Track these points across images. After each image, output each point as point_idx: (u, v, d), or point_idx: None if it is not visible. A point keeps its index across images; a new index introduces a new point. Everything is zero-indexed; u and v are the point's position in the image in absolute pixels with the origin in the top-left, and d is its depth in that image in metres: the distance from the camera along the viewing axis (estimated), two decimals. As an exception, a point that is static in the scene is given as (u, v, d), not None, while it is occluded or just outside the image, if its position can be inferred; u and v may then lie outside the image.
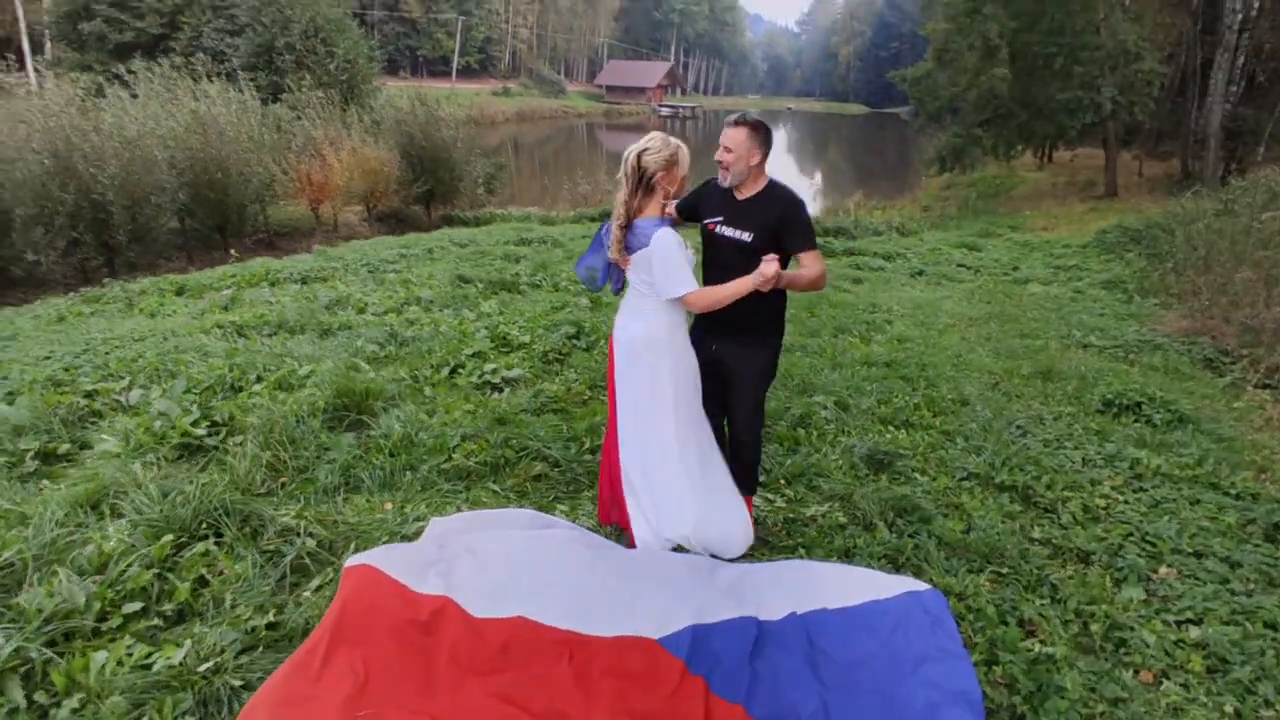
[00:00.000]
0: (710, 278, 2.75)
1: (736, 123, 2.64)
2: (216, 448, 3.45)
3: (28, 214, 10.79)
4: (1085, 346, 6.15)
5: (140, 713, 1.96)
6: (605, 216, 14.49)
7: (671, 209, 2.80)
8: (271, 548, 2.70)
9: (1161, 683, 2.31)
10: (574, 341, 5.49)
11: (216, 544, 2.71)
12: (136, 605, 2.31)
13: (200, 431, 3.45)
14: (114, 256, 12.33)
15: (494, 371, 4.78)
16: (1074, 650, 2.44)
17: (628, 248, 2.64)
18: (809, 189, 23.13)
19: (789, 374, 4.87)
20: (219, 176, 13.68)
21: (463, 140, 19.48)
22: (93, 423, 3.80)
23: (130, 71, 15.45)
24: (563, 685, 2.04)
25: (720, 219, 2.72)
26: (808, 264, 2.67)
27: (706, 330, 2.86)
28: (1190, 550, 3.00)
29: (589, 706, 2.00)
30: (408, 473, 3.36)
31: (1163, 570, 2.91)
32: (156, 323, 6.04)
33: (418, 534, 2.83)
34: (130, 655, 2.10)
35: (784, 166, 33.88)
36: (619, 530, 2.93)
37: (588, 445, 3.67)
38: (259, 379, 4.42)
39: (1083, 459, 3.87)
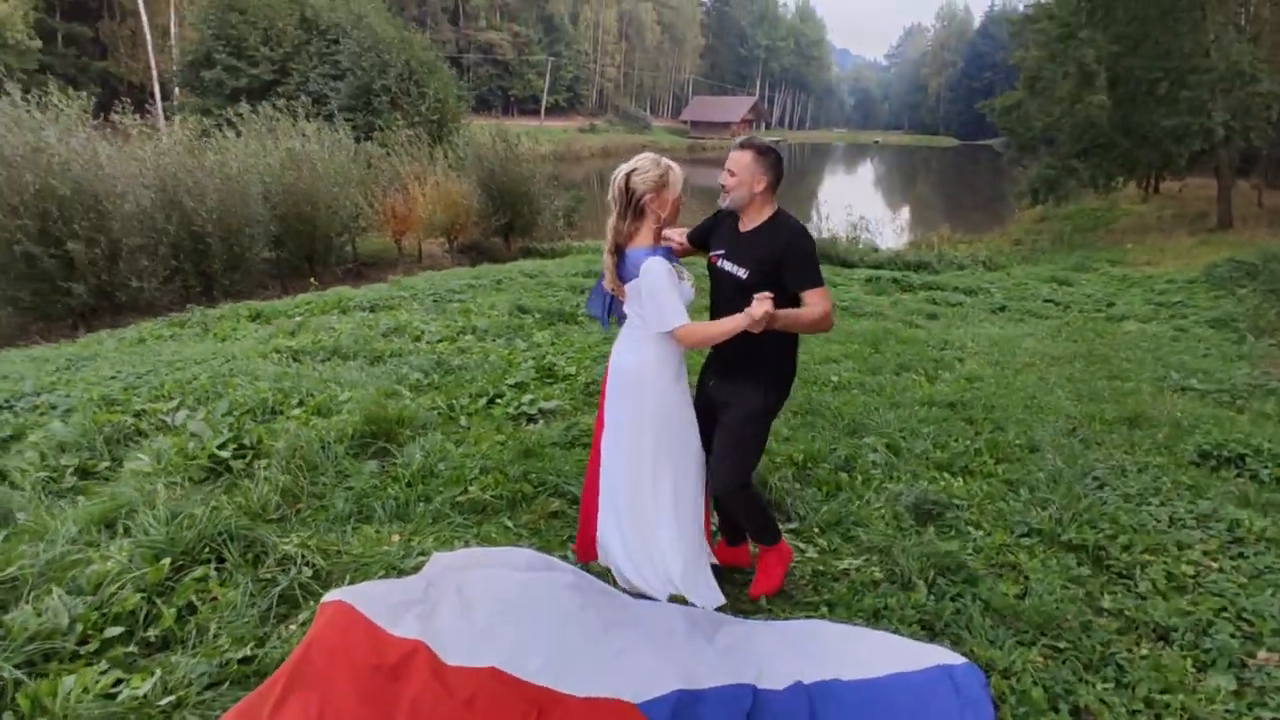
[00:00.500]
0: (712, 313, 2.58)
1: (742, 145, 2.47)
2: (241, 471, 3.47)
3: (135, 244, 11.60)
4: (1183, 390, 5.55)
5: (97, 745, 1.90)
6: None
7: (682, 238, 2.64)
8: (268, 576, 2.64)
9: (1249, 798, 1.92)
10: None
11: (217, 569, 2.68)
12: (118, 630, 2.27)
13: (226, 454, 3.47)
14: (211, 284, 13.10)
15: (531, 402, 4.69)
16: (1140, 749, 2.08)
17: (621, 277, 2.48)
18: (894, 224, 22.34)
19: (839, 413, 4.57)
20: (308, 210, 14.44)
21: (541, 174, 19.97)
22: (136, 442, 3.91)
23: (238, 114, 16.62)
24: (528, 748, 1.86)
25: (722, 251, 2.54)
26: (811, 303, 2.42)
27: (708, 365, 2.71)
28: (1297, 633, 2.55)
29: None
30: (421, 504, 3.27)
31: (1261, 655, 2.47)
32: (224, 346, 6.28)
33: (417, 568, 2.72)
34: (98, 682, 2.04)
35: (870, 201, 33.04)
36: (606, 570, 2.75)
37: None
38: (300, 403, 4.47)
39: (1170, 518, 3.41)
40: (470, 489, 3.37)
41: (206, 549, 2.72)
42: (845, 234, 17.90)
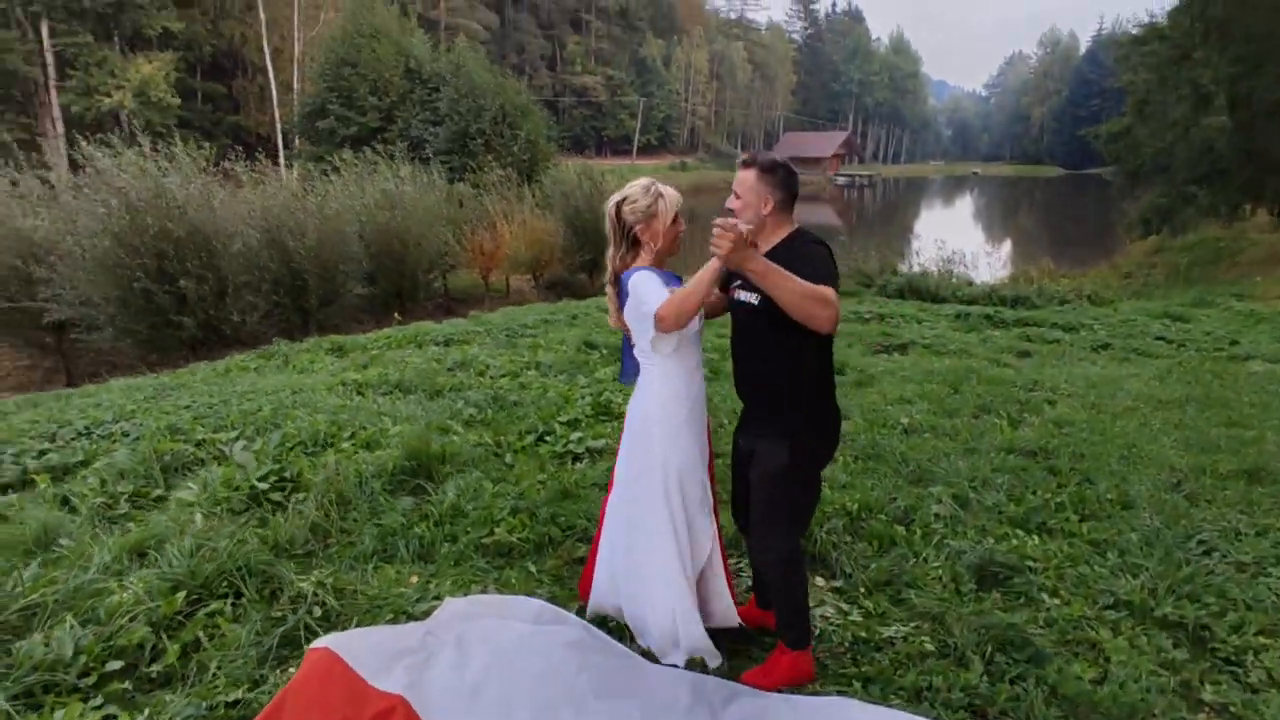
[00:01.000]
0: (732, 351, 2.38)
1: (745, 164, 2.25)
2: (279, 503, 3.49)
3: (240, 281, 12.40)
4: (1318, 442, 4.86)
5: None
6: None
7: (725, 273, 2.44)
8: (279, 614, 2.60)
9: None
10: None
11: (234, 604, 2.66)
12: (118, 664, 2.25)
13: (264, 486, 3.51)
14: (308, 318, 13.82)
15: (580, 440, 4.57)
16: None
17: (622, 309, 2.33)
18: (991, 257, 21.19)
19: (905, 459, 4.22)
20: (398, 247, 15.10)
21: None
22: (192, 471, 4.03)
23: (342, 159, 17.68)
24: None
25: (739, 282, 2.31)
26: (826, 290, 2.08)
27: (741, 418, 2.47)
28: None
29: None
30: (447, 544, 3.18)
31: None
32: (297, 379, 6.50)
33: (428, 613, 2.61)
34: (83, 718, 2.01)
35: (968, 234, 31.58)
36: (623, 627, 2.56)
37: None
38: (352, 436, 4.52)
39: (1293, 594, 2.91)
40: (497, 530, 3.26)
41: (225, 583, 2.71)
42: (937, 268, 17.21)
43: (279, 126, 39.76)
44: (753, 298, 2.22)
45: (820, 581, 3.03)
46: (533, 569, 3.06)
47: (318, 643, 2.14)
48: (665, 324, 2.13)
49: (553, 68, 68.81)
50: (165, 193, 11.63)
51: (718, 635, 2.44)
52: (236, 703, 2.16)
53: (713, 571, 2.41)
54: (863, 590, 2.92)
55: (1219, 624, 2.69)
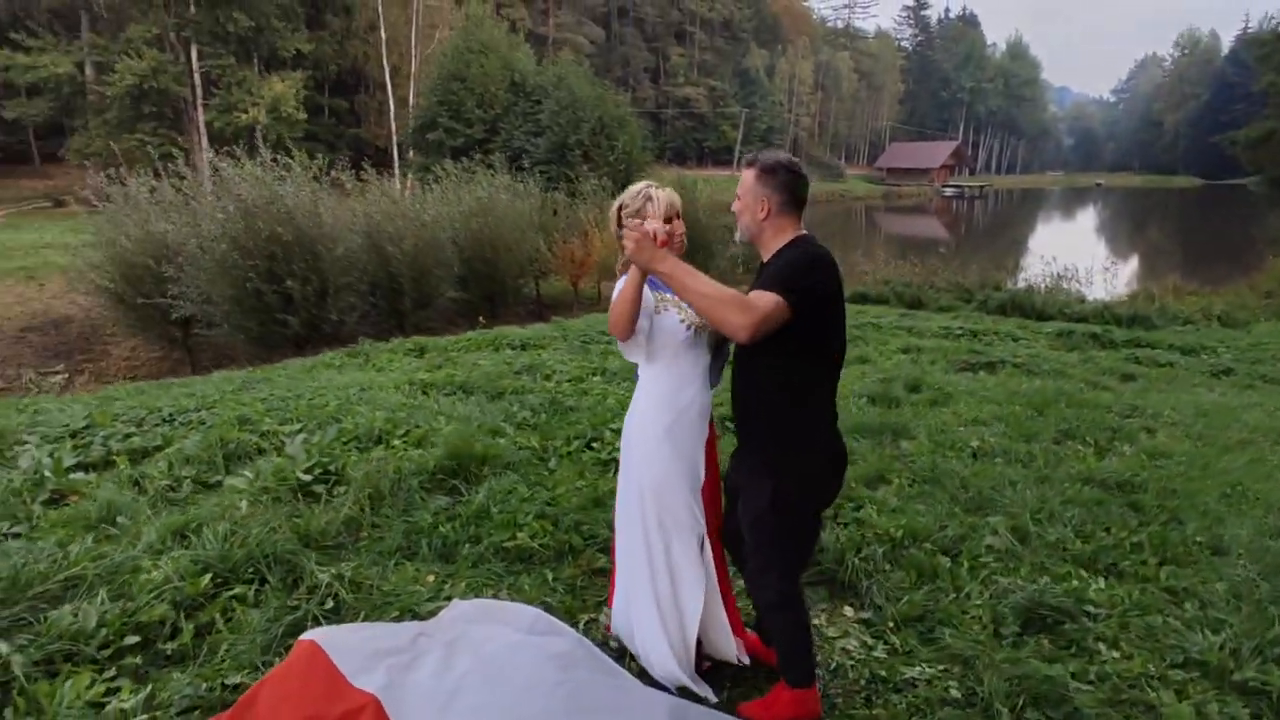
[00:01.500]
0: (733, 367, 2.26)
1: (747, 163, 2.13)
2: (322, 495, 3.60)
3: (341, 283, 13.12)
4: None
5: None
6: (859, 298, 13.38)
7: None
8: (295, 604, 2.66)
9: None
10: (728, 424, 5.04)
11: (258, 590, 2.75)
12: (136, 639, 2.36)
13: (308, 478, 3.63)
14: (402, 320, 14.46)
15: (626, 447, 4.51)
16: None
17: None
18: (1109, 272, 19.58)
19: (965, 484, 3.92)
20: (490, 254, 15.58)
21: (718, 223, 20.11)
22: (252, 460, 4.23)
23: (443, 169, 18.45)
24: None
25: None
26: (753, 296, 1.94)
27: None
28: None
29: None
30: (468, 545, 3.19)
31: None
32: (371, 377, 6.77)
33: (434, 613, 2.62)
34: (91, 690, 2.11)
35: (1089, 248, 29.30)
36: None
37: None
38: (406, 433, 4.63)
39: None
40: (519, 535, 3.24)
41: (251, 569, 2.81)
42: (1045, 284, 16.20)
43: (394, 139, 42.06)
44: None
45: (848, 611, 2.84)
46: (549, 576, 3.02)
47: (306, 635, 2.18)
48: (610, 329, 2.12)
49: (656, 80, 69.58)
50: (277, 199, 12.47)
51: (720, 664, 2.32)
52: (236, 686, 2.23)
53: (711, 598, 2.29)
54: (891, 624, 2.71)
55: (1312, 696, 2.33)
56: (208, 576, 2.69)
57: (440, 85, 33.99)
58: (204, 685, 2.21)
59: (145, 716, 2.05)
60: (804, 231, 2.11)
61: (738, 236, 2.23)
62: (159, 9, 33.80)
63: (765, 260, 2.13)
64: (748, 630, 2.51)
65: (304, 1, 39.92)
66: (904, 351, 8.26)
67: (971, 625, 2.68)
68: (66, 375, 13.79)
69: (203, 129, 36.01)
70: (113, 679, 2.22)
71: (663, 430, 2.19)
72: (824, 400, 2.10)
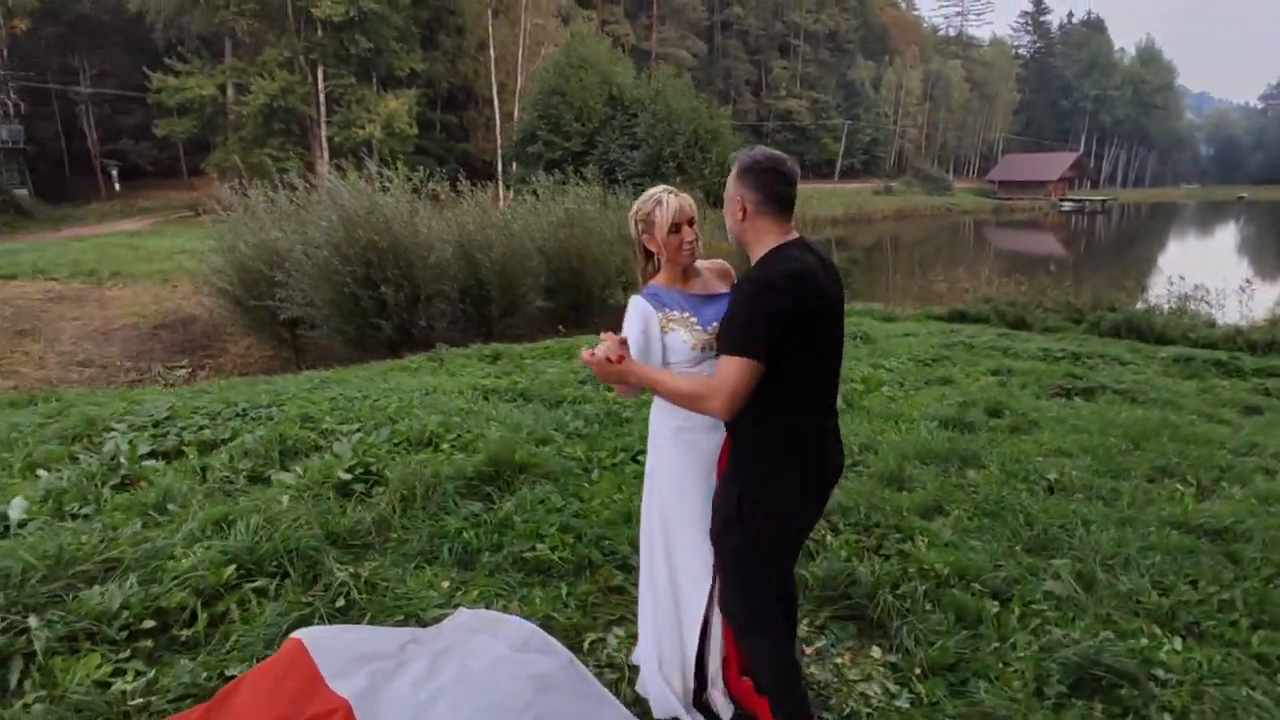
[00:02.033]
0: None
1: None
2: (361, 495, 3.69)
3: (433, 290, 13.64)
4: None
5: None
6: (956, 316, 12.70)
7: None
8: (309, 600, 2.71)
9: None
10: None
11: (279, 585, 2.82)
12: (152, 623, 2.45)
13: (348, 477, 3.73)
14: (490, 327, 14.88)
15: (669, 462, 4.40)
16: None
17: None
18: (1247, 293, 17.70)
19: (1031, 521, 3.58)
20: (576, 264, 15.82)
21: (814, 235, 19.74)
22: (307, 456, 4.39)
23: (538, 181, 18.94)
24: None
25: None
26: (719, 370, 1.83)
27: None
28: None
29: None
30: (488, 554, 3.17)
31: None
32: (441, 381, 6.94)
33: (437, 620, 2.60)
34: (99, 669, 2.20)
35: (1228, 268, 26.59)
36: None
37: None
38: (457, 438, 4.70)
39: None
40: (540, 546, 3.19)
41: (275, 563, 2.89)
42: (1168, 305, 14.87)
43: (499, 153, 43.69)
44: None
45: (875, 653, 2.62)
46: (564, 590, 2.95)
47: (297, 632, 2.20)
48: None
49: (758, 93, 69.19)
50: (377, 209, 13.13)
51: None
52: (233, 677, 2.27)
53: (709, 636, 2.16)
54: (919, 671, 2.47)
55: None
56: (232, 567, 2.78)
57: (541, 100, 35.02)
58: (203, 674, 2.27)
59: (143, 700, 2.12)
60: (791, 236, 1.95)
61: (731, 240, 2.10)
62: (291, 34, 36.49)
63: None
64: (743, 677, 2.35)
65: (419, 23, 41.95)
66: (993, 373, 7.74)
67: (1011, 680, 2.41)
68: (190, 369, 14.97)
69: (325, 144, 38.51)
70: (126, 660, 2.31)
71: (672, 430, 2.13)
72: (804, 413, 1.94)
